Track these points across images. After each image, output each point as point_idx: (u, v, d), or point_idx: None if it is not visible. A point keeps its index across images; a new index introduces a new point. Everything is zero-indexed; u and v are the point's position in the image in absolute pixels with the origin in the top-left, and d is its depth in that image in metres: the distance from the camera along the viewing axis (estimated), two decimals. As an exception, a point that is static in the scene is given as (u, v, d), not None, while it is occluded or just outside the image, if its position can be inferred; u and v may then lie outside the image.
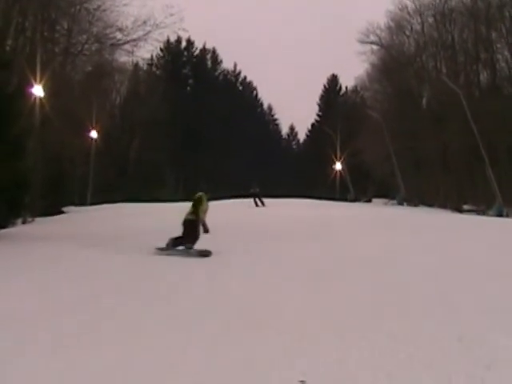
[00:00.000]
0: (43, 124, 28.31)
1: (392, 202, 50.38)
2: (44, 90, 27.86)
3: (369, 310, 7.23)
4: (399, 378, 4.66)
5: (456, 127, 41.21)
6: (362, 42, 51.96)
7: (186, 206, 14.19)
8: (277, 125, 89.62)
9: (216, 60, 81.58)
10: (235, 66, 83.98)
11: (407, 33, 52.16)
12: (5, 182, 17.04)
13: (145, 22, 33.95)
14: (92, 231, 20.96)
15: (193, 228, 13.27)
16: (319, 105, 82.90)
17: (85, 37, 34.47)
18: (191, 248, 13.02)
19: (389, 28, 51.96)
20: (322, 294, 8.39)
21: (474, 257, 12.19)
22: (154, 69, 73.44)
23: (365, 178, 58.85)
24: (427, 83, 51.00)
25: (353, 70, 64.70)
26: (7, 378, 4.74)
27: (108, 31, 34.36)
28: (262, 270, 10.74)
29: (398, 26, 51.71)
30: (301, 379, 4.60)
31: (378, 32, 51.94)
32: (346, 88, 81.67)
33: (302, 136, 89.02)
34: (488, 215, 34.18)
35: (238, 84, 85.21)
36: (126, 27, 34.00)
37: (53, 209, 30.55)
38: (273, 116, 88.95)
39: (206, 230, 13.45)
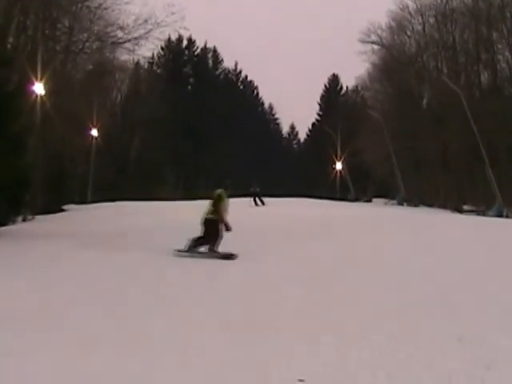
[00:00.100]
0: (44, 122, 28.30)
1: (392, 202, 50.37)
2: (45, 88, 27.85)
3: (369, 310, 7.24)
4: (399, 378, 4.66)
5: (456, 127, 41.18)
6: (363, 41, 51.96)
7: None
8: (277, 124, 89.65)
9: (217, 59, 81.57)
10: (236, 65, 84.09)
11: (408, 33, 52.13)
12: (5, 179, 17.04)
13: (146, 21, 33.85)
14: (92, 229, 20.96)
15: (214, 227, 12.81)
16: (320, 104, 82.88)
17: (86, 35, 34.42)
18: (215, 251, 12.57)
19: (390, 28, 51.96)
20: (322, 294, 8.39)
21: (474, 257, 12.20)
22: (154, 67, 73.46)
23: (365, 178, 58.85)
24: (428, 83, 50.98)
25: (353, 70, 64.66)
26: (7, 378, 4.74)
27: (109, 29, 34.30)
28: (264, 271, 10.74)
29: (399, 25, 51.68)
30: (300, 378, 4.61)
31: (379, 32, 51.95)
32: (347, 88, 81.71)
33: (302, 135, 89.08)
34: (488, 216, 34.17)
35: (239, 83, 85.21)
36: (127, 25, 33.93)
37: (53, 207, 30.56)
38: (273, 115, 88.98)
39: (228, 229, 12.88)
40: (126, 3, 32.81)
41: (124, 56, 40.06)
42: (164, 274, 10.45)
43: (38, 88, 27.56)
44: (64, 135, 29.83)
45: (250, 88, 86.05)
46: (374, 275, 9.98)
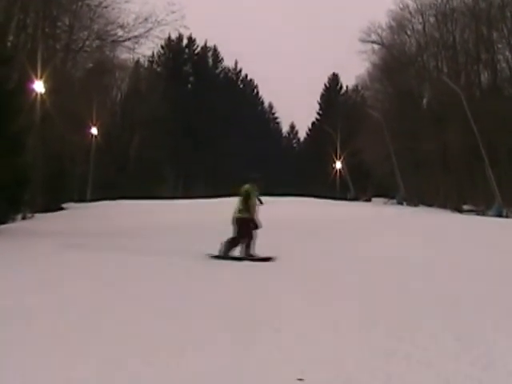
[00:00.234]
0: (44, 120, 28.33)
1: (392, 201, 50.47)
2: (45, 87, 27.86)
3: (368, 309, 7.24)
4: (397, 378, 4.66)
5: (456, 127, 41.21)
6: (364, 41, 52.03)
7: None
8: (277, 123, 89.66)
9: (217, 58, 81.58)
10: (236, 63, 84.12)
11: (408, 32, 52.22)
12: (5, 178, 17.06)
13: (146, 19, 33.87)
14: (91, 228, 21.00)
15: (247, 226, 12.25)
16: (320, 104, 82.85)
17: (86, 33, 34.46)
18: (251, 254, 12.09)
19: (390, 27, 52.04)
20: (323, 294, 8.40)
21: (474, 257, 12.21)
22: (154, 66, 73.51)
23: (365, 178, 58.91)
24: (428, 83, 51.02)
25: (354, 69, 64.71)
26: (6, 377, 4.73)
27: (109, 28, 34.33)
28: (259, 274, 10.74)
29: (399, 25, 51.74)
30: (299, 377, 4.61)
31: (380, 31, 52.06)
32: (347, 87, 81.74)
33: (302, 135, 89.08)
34: (487, 215, 34.20)
35: (239, 82, 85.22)
36: (128, 24, 33.96)
37: (53, 205, 30.62)
38: (273, 114, 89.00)
39: (256, 226, 12.40)
40: (126, 2, 32.86)
41: (124, 54, 40.17)
42: (162, 272, 10.43)
43: (38, 86, 27.57)
44: (64, 134, 29.85)
45: (249, 87, 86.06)
46: (374, 275, 9.99)
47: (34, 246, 14.38)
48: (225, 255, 12.04)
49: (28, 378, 4.66)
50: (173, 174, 65.86)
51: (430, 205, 44.13)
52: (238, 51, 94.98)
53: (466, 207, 41.46)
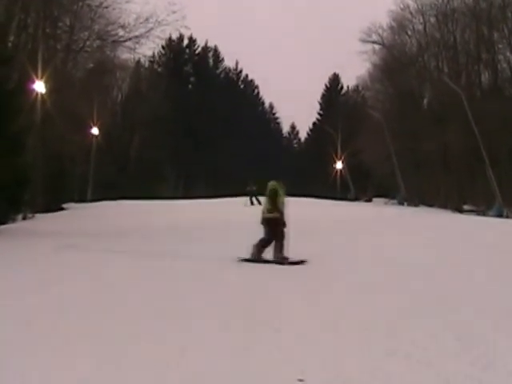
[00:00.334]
0: (44, 120, 28.35)
1: (392, 201, 50.46)
2: (45, 87, 27.87)
3: (368, 309, 7.24)
4: (397, 378, 4.66)
5: (457, 128, 41.19)
6: (364, 41, 51.98)
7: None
8: (278, 123, 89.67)
9: (218, 58, 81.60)
10: (237, 64, 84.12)
11: (409, 33, 52.20)
12: (5, 178, 17.06)
13: (147, 19, 33.88)
14: (92, 228, 21.00)
15: (277, 226, 11.57)
16: (320, 104, 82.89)
17: (87, 34, 34.49)
18: (283, 257, 11.36)
19: (391, 28, 52.01)
20: (323, 294, 8.40)
21: (474, 257, 12.20)
22: (155, 66, 73.54)
23: (365, 178, 58.92)
24: (428, 83, 51.01)
25: (354, 70, 64.74)
26: (6, 377, 4.74)
27: (110, 28, 34.35)
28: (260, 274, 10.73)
29: (399, 25, 51.71)
30: (299, 378, 4.61)
31: (380, 31, 52.01)
32: (348, 87, 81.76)
33: (303, 135, 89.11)
34: (488, 215, 34.20)
35: (240, 82, 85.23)
36: (128, 24, 33.98)
37: (53, 205, 30.62)
38: (274, 114, 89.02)
39: (285, 225, 11.68)
40: (127, 2, 32.89)
41: (125, 55, 40.14)
42: (158, 272, 10.44)
43: (39, 86, 27.57)
44: (64, 134, 29.84)
45: (250, 87, 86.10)
46: (374, 275, 9.98)
47: (35, 247, 14.38)
48: (257, 258, 11.49)
49: (28, 377, 4.66)
50: (173, 174, 65.92)
51: (430, 205, 44.13)
52: (239, 51, 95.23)
53: (466, 207, 41.47)
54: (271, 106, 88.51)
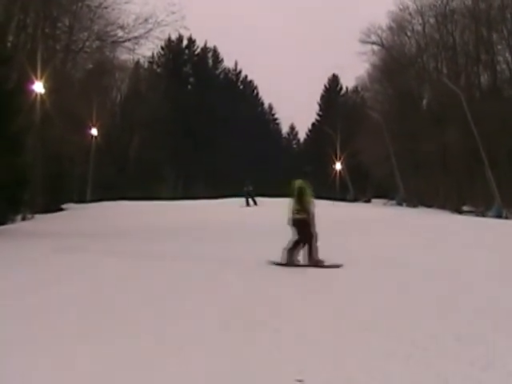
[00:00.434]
0: (43, 121, 28.34)
1: (391, 202, 50.46)
2: (44, 87, 27.85)
3: (367, 310, 7.24)
4: (396, 379, 4.66)
5: (456, 128, 41.22)
6: (364, 42, 51.98)
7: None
8: (277, 124, 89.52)
9: (217, 58, 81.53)
10: (236, 64, 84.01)
11: (408, 33, 52.20)
12: (4, 178, 17.07)
13: (146, 20, 33.94)
14: (91, 229, 21.00)
15: (306, 227, 11.22)
16: (320, 104, 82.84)
17: (86, 34, 34.52)
18: (317, 259, 11.01)
19: (390, 28, 52.02)
20: (323, 294, 8.40)
21: (474, 257, 12.21)
22: (154, 67, 73.44)
23: (364, 178, 58.94)
24: (428, 84, 51.04)
25: (354, 70, 64.74)
26: (5, 376, 4.73)
27: (109, 29, 34.39)
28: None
29: (399, 26, 51.73)
30: (298, 378, 4.60)
31: (380, 32, 52.00)
32: (347, 88, 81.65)
33: (302, 135, 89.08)
34: (487, 216, 34.20)
35: (239, 83, 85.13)
36: (128, 25, 34.04)
37: (52, 206, 30.60)
38: (273, 115, 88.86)
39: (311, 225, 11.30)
40: (126, 2, 32.93)
41: (124, 55, 40.21)
42: (152, 273, 10.43)
43: (38, 87, 27.53)
44: (63, 134, 29.84)
45: (249, 88, 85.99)
46: (373, 275, 9.98)
47: (34, 247, 14.38)
48: (290, 262, 11.12)
49: (27, 377, 4.66)
50: (173, 175, 65.84)
51: (429, 206, 44.12)
52: (238, 52, 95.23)
53: (465, 208, 41.49)
54: (270, 107, 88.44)
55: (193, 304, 7.63)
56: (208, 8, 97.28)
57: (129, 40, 34.69)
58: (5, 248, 14.20)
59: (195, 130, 66.86)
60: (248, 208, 33.41)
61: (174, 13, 34.49)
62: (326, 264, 10.88)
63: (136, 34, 34.30)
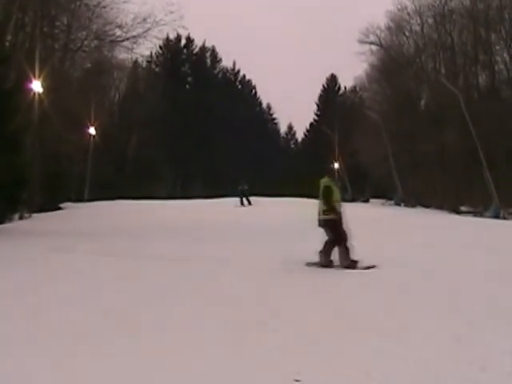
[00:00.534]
0: (41, 120, 28.30)
1: (389, 202, 50.46)
2: (43, 86, 27.82)
3: (367, 310, 7.24)
4: (394, 379, 4.66)
5: (454, 129, 41.23)
6: (362, 42, 51.99)
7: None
8: (275, 124, 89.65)
9: (215, 58, 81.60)
10: (234, 64, 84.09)
11: (407, 33, 52.17)
12: (2, 177, 17.06)
13: (144, 19, 33.98)
14: (88, 228, 20.99)
15: (336, 228, 10.88)
16: (318, 104, 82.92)
17: (84, 33, 34.52)
18: (353, 260, 10.68)
19: (388, 28, 51.99)
20: (322, 295, 8.40)
21: (472, 257, 12.21)
22: (153, 66, 73.45)
23: (362, 178, 58.97)
24: (426, 84, 51.06)
25: (352, 70, 64.92)
26: (5, 376, 4.73)
27: (107, 28, 34.42)
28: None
29: (397, 26, 51.71)
30: (296, 378, 4.60)
31: (378, 32, 52.00)
32: (345, 88, 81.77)
33: (300, 135, 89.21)
34: (485, 217, 34.23)
35: (237, 82, 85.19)
36: (126, 24, 34.07)
37: (50, 205, 30.55)
38: (271, 115, 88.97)
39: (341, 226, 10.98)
40: (125, 2, 32.98)
41: (122, 54, 40.14)
42: (146, 273, 10.43)
43: (36, 86, 27.49)
44: (62, 133, 29.81)
45: (248, 87, 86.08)
46: (373, 275, 9.98)
47: (32, 246, 14.35)
48: (326, 264, 10.80)
49: (27, 377, 4.66)
50: (171, 174, 65.85)
51: (427, 206, 44.14)
52: (237, 52, 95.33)
53: (463, 208, 41.53)
54: (269, 107, 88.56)
55: (192, 304, 7.63)
56: (207, 8, 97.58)
57: (127, 39, 34.73)
58: (2, 247, 14.17)
59: (193, 130, 66.89)
60: (242, 208, 33.39)
61: (172, 12, 34.54)
62: (360, 266, 10.60)
63: (134, 34, 34.35)
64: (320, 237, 11.16)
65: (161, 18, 34.38)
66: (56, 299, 7.86)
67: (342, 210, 11.18)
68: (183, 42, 77.58)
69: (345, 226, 11.01)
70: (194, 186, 63.25)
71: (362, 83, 61.60)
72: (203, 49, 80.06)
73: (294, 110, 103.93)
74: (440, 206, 42.64)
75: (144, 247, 14.26)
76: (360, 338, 5.86)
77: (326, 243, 10.93)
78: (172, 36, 69.81)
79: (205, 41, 79.01)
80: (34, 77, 27.22)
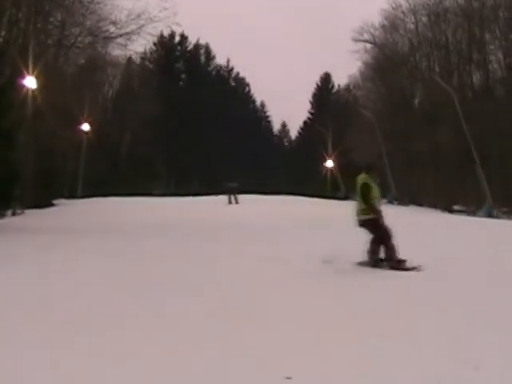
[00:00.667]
0: (35, 116, 28.24)
1: (383, 200, 50.54)
2: (36, 83, 27.74)
3: (365, 309, 7.24)
4: (388, 379, 4.66)
5: (448, 128, 41.31)
6: (356, 40, 51.94)
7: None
8: (269, 122, 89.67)
9: (209, 55, 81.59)
10: (228, 61, 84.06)
11: (401, 32, 52.16)
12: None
13: (138, 16, 33.97)
14: (80, 224, 20.98)
15: (377, 227, 10.35)
16: (311, 102, 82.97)
17: (78, 29, 34.48)
18: (398, 260, 10.20)
19: (383, 27, 51.95)
20: (320, 294, 8.40)
21: (470, 257, 12.22)
22: (147, 63, 73.28)
23: (356, 177, 58.96)
24: (420, 83, 51.13)
25: (346, 69, 64.87)
26: (5, 374, 4.71)
27: (101, 24, 34.40)
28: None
29: (391, 24, 51.70)
30: (287, 376, 4.60)
31: (372, 30, 51.94)
32: (339, 86, 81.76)
33: (293, 133, 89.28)
34: (478, 216, 34.32)
35: (231, 80, 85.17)
36: (120, 21, 34.05)
37: (43, 201, 30.50)
38: (265, 113, 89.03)
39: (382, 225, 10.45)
40: (119, -2, 32.84)
41: (116, 51, 40.08)
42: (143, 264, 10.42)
43: (30, 82, 27.40)
44: (55, 130, 29.76)
45: (241, 85, 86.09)
46: (370, 274, 9.98)
47: (23, 243, 14.33)
48: (375, 263, 10.37)
49: (26, 376, 4.64)
50: (164, 171, 65.83)
51: (420, 204, 44.24)
52: (231, 49, 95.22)
53: (456, 207, 41.61)
54: (262, 105, 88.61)
55: (187, 301, 7.62)
56: (207, 8, 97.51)
57: (121, 36, 34.71)
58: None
59: (187, 127, 66.85)
60: (231, 206, 33.50)
61: (166, 9, 34.56)
62: (406, 266, 10.16)
63: (128, 30, 34.34)
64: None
65: (155, 15, 34.42)
66: (45, 297, 7.83)
67: (381, 207, 10.75)
68: (177, 38, 77.61)
69: (385, 225, 10.44)
70: (188, 183, 63.23)
71: (356, 81, 61.72)
72: (197, 46, 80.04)
73: (287, 108, 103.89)
74: (433, 205, 42.74)
75: (135, 244, 14.25)
76: (359, 337, 5.85)
77: (370, 242, 10.53)
78: (166, 33, 69.74)
79: (199, 38, 79.10)
80: (28, 73, 27.14)
